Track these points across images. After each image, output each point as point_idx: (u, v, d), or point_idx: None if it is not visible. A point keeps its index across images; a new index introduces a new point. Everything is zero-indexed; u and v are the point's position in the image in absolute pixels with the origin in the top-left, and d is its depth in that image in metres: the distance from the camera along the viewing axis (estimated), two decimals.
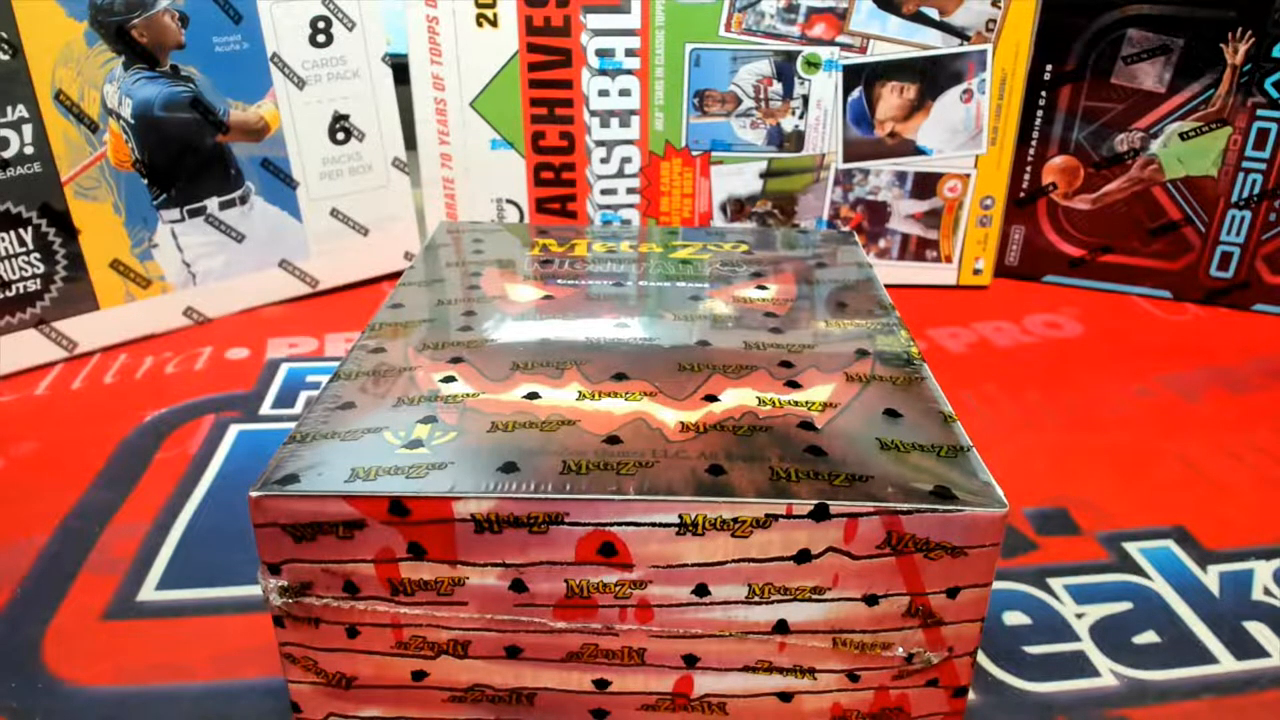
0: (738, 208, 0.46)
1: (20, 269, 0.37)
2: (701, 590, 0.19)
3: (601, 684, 0.21)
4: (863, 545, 0.19)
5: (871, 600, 0.20)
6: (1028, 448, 0.34)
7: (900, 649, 0.20)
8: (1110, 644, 0.25)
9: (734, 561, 0.19)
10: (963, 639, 0.20)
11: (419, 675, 0.21)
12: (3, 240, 0.36)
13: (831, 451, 0.20)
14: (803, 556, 0.19)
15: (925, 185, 0.45)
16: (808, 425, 0.21)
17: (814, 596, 0.19)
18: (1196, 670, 0.24)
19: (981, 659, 0.25)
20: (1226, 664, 0.24)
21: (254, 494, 0.19)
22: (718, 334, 0.26)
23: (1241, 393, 0.38)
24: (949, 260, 0.47)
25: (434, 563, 0.19)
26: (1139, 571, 0.28)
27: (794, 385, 0.23)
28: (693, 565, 0.19)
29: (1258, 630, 0.26)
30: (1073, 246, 0.47)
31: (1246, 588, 0.27)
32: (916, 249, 0.47)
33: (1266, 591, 0.27)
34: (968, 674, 0.21)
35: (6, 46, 0.35)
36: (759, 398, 0.22)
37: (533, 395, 0.22)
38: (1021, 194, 0.47)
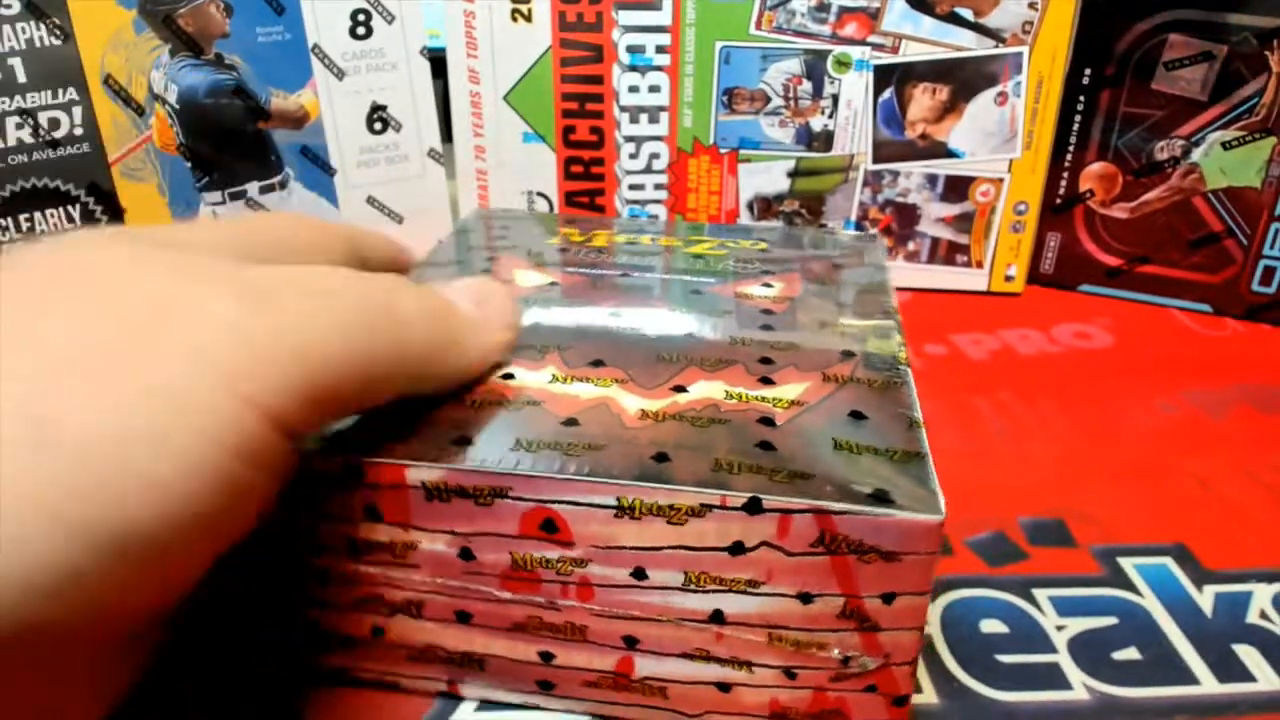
0: (765, 206, 0.46)
1: None
2: (640, 574, 0.20)
3: (546, 656, 0.21)
4: (796, 542, 0.19)
5: (806, 598, 0.20)
6: (1032, 457, 0.33)
7: (836, 650, 0.20)
8: (1088, 658, 0.25)
9: (670, 548, 0.19)
10: (900, 647, 0.20)
11: (378, 631, 0.22)
12: (52, 216, 0.39)
13: (782, 448, 0.20)
14: (737, 548, 0.19)
15: (956, 188, 0.45)
16: (768, 421, 0.21)
17: (749, 589, 0.20)
18: (1174, 690, 0.24)
19: (950, 664, 0.24)
20: (1208, 685, 0.24)
21: None
22: (706, 328, 0.26)
23: (1270, 412, 0.36)
24: (980, 266, 0.46)
25: (389, 525, 0.20)
26: (1130, 587, 0.27)
27: (767, 382, 0.23)
28: (630, 548, 0.20)
29: (1246, 654, 0.25)
30: (1110, 256, 0.46)
31: (1242, 610, 0.26)
32: (947, 253, 0.46)
33: (1263, 615, 0.26)
34: (908, 683, 0.21)
35: (59, 32, 0.37)
36: (727, 391, 0.23)
37: (508, 376, 0.23)
38: (1058, 200, 0.46)
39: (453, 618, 0.21)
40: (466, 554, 0.20)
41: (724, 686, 0.21)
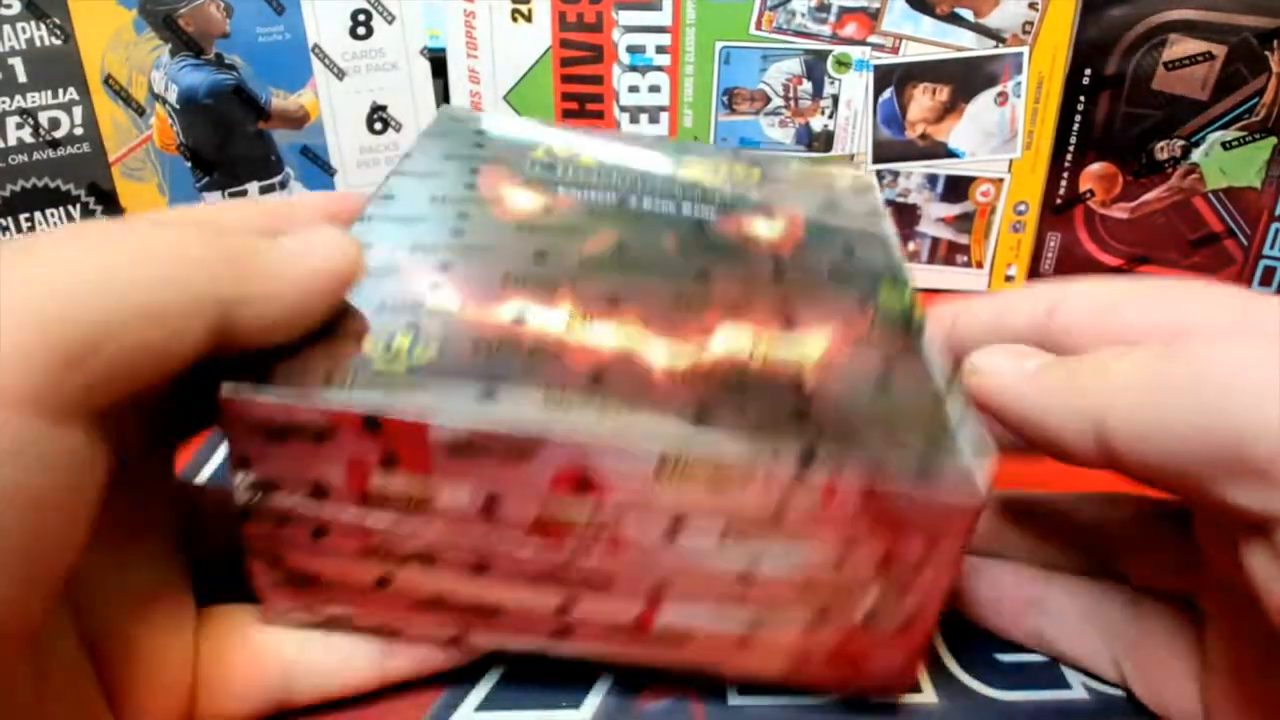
0: None
1: None
2: (673, 531, 0.19)
3: (565, 606, 0.21)
4: (838, 507, 0.19)
5: (841, 556, 0.20)
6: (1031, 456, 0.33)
7: (866, 605, 0.20)
8: None
9: (708, 508, 0.19)
10: (930, 598, 0.20)
11: (383, 582, 0.21)
12: (52, 216, 0.39)
13: (817, 414, 0.20)
14: (778, 509, 0.19)
15: (957, 189, 0.45)
16: (797, 386, 0.21)
17: (785, 548, 0.19)
18: None
19: (950, 664, 0.24)
20: None
21: (224, 394, 0.18)
22: (719, 267, 0.25)
23: None
24: (980, 266, 0.46)
25: (406, 475, 0.19)
26: None
27: (790, 331, 0.23)
28: (666, 508, 0.19)
29: None
30: (1110, 256, 0.46)
31: None
32: (947, 253, 0.46)
33: None
34: (929, 632, 0.21)
35: (59, 32, 0.37)
36: (751, 345, 0.22)
37: (519, 320, 0.22)
38: (1058, 200, 0.46)
39: (467, 570, 0.20)
40: (490, 506, 0.19)
41: (747, 634, 0.21)
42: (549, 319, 0.22)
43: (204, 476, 0.31)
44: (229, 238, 0.18)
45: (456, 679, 0.23)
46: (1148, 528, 0.24)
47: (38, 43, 0.37)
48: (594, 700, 0.23)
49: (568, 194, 0.28)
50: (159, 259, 0.17)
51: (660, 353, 0.21)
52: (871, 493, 0.19)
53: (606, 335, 0.22)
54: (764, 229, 0.28)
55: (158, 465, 0.22)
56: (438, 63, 0.46)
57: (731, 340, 0.22)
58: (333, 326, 0.20)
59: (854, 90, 0.43)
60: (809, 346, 0.22)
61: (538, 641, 0.22)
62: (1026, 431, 0.20)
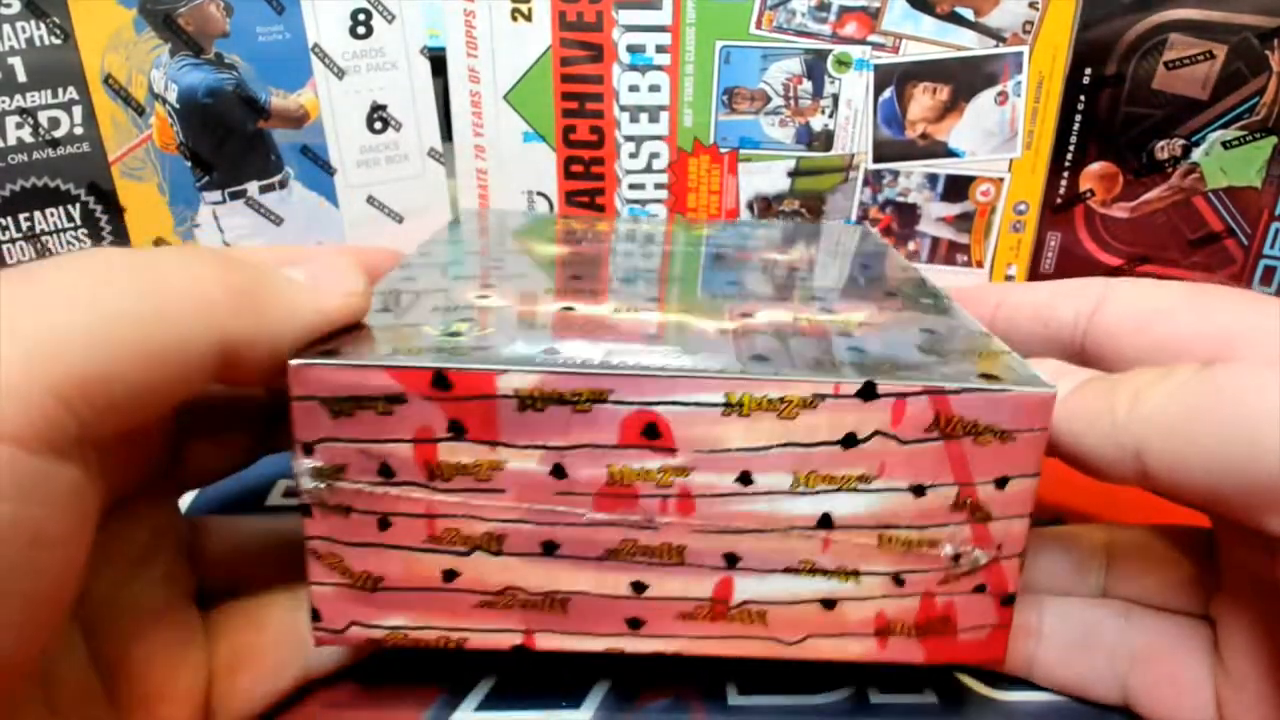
0: (765, 206, 0.46)
1: (68, 244, 0.39)
2: (745, 478, 0.19)
3: (639, 587, 0.20)
4: (910, 428, 0.19)
5: (919, 490, 0.19)
6: None
7: (947, 547, 0.20)
8: None
9: (779, 446, 0.19)
10: (1011, 537, 0.20)
11: (450, 575, 0.20)
12: (52, 216, 0.39)
13: (873, 350, 0.21)
14: (849, 440, 0.19)
15: (957, 188, 0.45)
16: (846, 334, 0.22)
17: (860, 486, 0.19)
18: None
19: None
20: None
21: (294, 362, 0.18)
22: (747, 278, 0.27)
23: None
24: (980, 265, 0.46)
25: (473, 444, 0.19)
26: None
27: (828, 311, 0.24)
28: (737, 450, 0.19)
29: None
30: (1110, 255, 0.46)
31: None
32: (947, 253, 0.46)
33: None
34: (1015, 578, 0.20)
35: (59, 31, 0.37)
36: (795, 316, 0.23)
37: (568, 309, 0.23)
38: (1058, 200, 0.46)
39: (538, 550, 0.20)
40: (559, 471, 0.19)
41: (828, 603, 0.20)
42: (595, 309, 0.23)
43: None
44: (239, 271, 0.18)
45: (457, 678, 0.23)
46: (1152, 550, 0.24)
47: (37, 42, 0.37)
48: (594, 700, 0.23)
49: (592, 246, 0.30)
50: (161, 294, 0.16)
51: (708, 324, 0.22)
52: (943, 401, 0.19)
53: (653, 316, 0.22)
54: (780, 256, 0.29)
55: (164, 486, 0.22)
56: (438, 62, 0.46)
57: (775, 314, 0.23)
58: (390, 324, 0.21)
59: (854, 90, 0.43)
60: (849, 315, 0.23)
61: (609, 638, 0.21)
62: (1063, 450, 0.20)
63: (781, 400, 0.19)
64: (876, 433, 0.19)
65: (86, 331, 0.15)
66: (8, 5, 0.36)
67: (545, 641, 0.21)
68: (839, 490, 0.19)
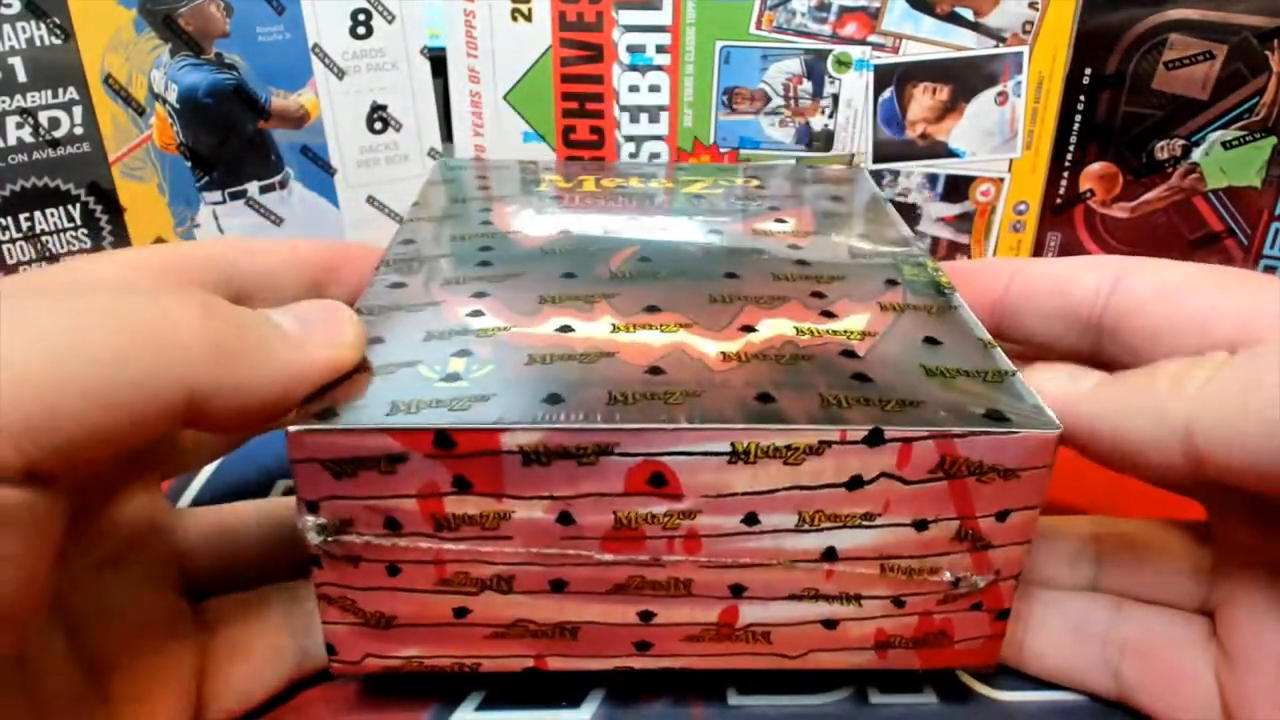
0: None
1: (68, 243, 0.39)
2: (751, 519, 0.19)
3: (647, 615, 0.21)
4: (916, 470, 0.19)
5: (921, 525, 0.19)
6: None
7: (947, 573, 0.20)
8: None
9: (785, 489, 0.19)
10: (1009, 561, 0.20)
11: (461, 612, 0.20)
12: (52, 215, 0.39)
13: (878, 378, 0.20)
14: (855, 483, 0.19)
15: (957, 188, 0.45)
16: (850, 354, 0.21)
17: (864, 523, 0.19)
18: None
19: None
20: None
21: (292, 429, 0.18)
22: (744, 266, 0.26)
23: None
24: None
25: (479, 496, 0.19)
26: None
27: (829, 315, 0.23)
28: (743, 494, 0.19)
29: None
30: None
31: None
32: (947, 253, 0.46)
33: None
34: (1011, 596, 0.21)
35: (59, 31, 0.37)
36: (796, 327, 0.22)
37: (566, 329, 0.22)
38: (1058, 200, 0.46)
39: (546, 587, 0.20)
40: (565, 518, 0.19)
41: (830, 623, 0.21)
42: (594, 329, 0.22)
43: (187, 500, 0.31)
44: (220, 320, 0.18)
45: (456, 680, 0.23)
46: (1142, 544, 0.24)
47: (37, 42, 0.37)
48: (594, 700, 0.23)
49: (581, 217, 0.29)
50: (124, 336, 0.16)
51: (710, 346, 0.22)
52: (949, 445, 0.19)
53: (653, 337, 0.22)
54: (776, 227, 0.28)
55: (146, 479, 0.22)
56: (438, 62, 0.46)
57: (775, 328, 0.22)
58: (384, 360, 0.21)
59: (854, 90, 0.43)
60: (851, 320, 0.23)
61: (618, 659, 0.21)
62: (1102, 445, 0.20)
63: (788, 448, 0.19)
64: (882, 475, 0.19)
65: (37, 374, 0.15)
66: (8, 5, 0.36)
67: (557, 663, 0.21)
68: (843, 527, 0.20)
